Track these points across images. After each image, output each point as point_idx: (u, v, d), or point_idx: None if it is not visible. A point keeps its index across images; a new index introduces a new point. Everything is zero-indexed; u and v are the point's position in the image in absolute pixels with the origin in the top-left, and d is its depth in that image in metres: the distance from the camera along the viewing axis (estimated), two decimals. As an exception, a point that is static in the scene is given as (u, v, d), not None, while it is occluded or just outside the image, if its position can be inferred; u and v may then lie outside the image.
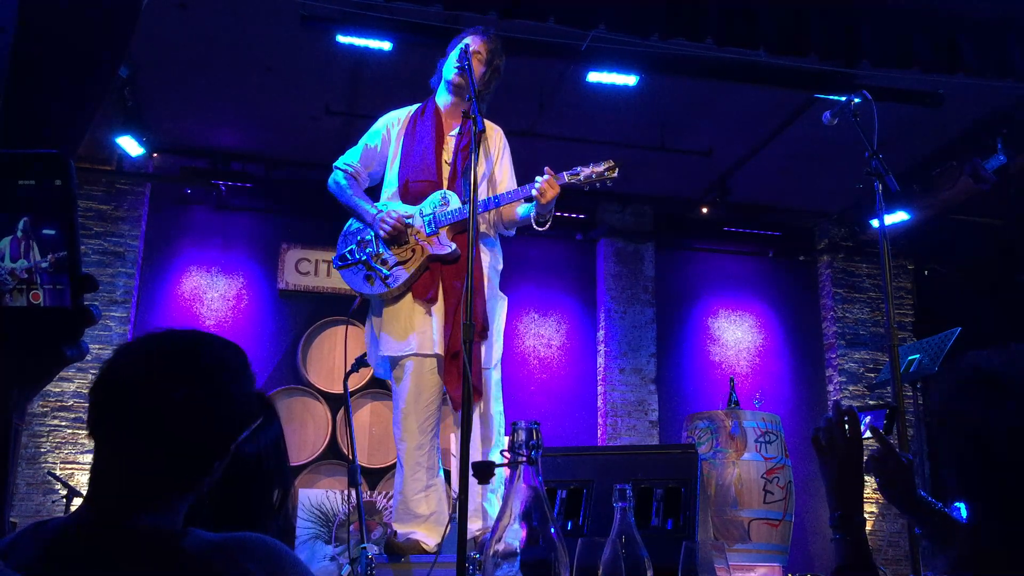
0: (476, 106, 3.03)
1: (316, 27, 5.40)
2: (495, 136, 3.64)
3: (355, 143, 3.74)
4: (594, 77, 5.87)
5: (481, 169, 3.51)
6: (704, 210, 7.97)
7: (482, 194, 3.50)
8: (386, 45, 5.46)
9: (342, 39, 5.40)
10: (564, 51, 5.62)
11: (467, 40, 3.55)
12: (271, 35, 5.68)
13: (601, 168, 3.38)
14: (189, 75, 6.22)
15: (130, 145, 6.60)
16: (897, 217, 7.28)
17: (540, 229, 3.44)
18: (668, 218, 8.32)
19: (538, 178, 3.31)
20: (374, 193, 3.68)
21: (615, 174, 3.37)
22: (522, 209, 3.49)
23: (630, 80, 5.89)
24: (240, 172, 7.45)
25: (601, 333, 8.00)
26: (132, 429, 1.08)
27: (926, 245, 8.16)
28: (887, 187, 3.39)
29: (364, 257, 3.48)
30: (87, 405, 1.12)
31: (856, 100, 3.54)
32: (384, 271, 3.42)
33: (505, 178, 3.60)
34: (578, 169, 3.39)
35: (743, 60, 5.53)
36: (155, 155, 7.28)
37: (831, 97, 5.64)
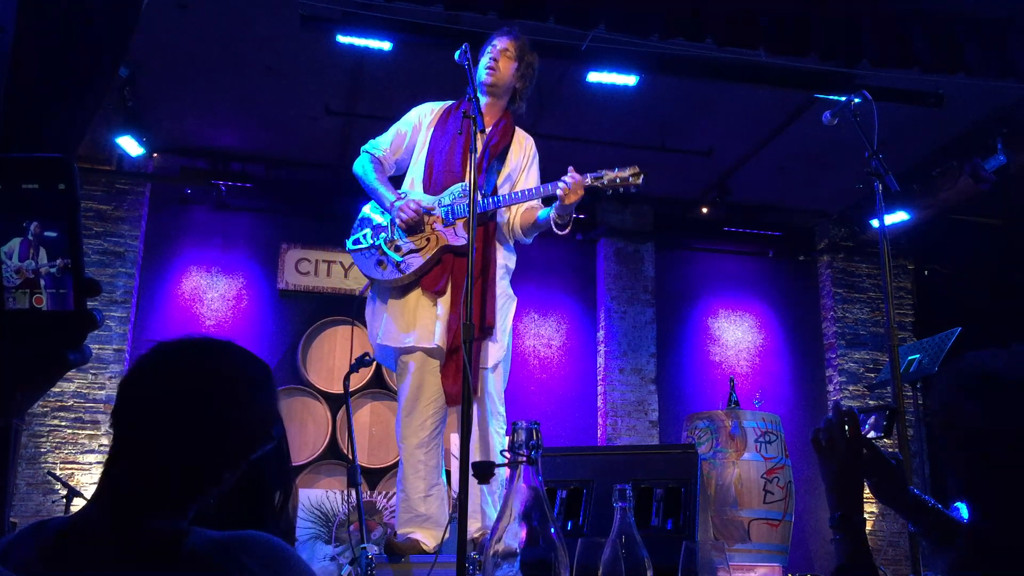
0: (476, 105, 3.02)
1: (316, 27, 5.40)
2: (526, 144, 3.64)
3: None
4: (594, 77, 5.87)
5: (505, 171, 3.53)
6: (704, 210, 7.97)
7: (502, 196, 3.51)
8: (386, 45, 5.46)
9: (342, 39, 5.40)
10: (564, 51, 5.61)
11: (494, 41, 3.58)
12: (271, 35, 5.68)
13: (626, 173, 3.34)
14: (189, 75, 6.22)
15: (130, 145, 6.60)
16: (897, 217, 7.28)
17: (560, 233, 3.41)
18: (668, 218, 8.32)
19: (564, 177, 3.27)
20: (397, 183, 3.67)
21: (640, 180, 3.33)
22: (542, 212, 3.46)
23: (630, 80, 5.89)
24: (240, 172, 7.45)
25: (601, 333, 8.00)
26: (153, 430, 1.09)
27: (926, 245, 8.16)
28: (887, 187, 3.39)
29: (378, 242, 3.46)
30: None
31: (856, 100, 3.54)
32: (397, 257, 3.40)
33: (531, 184, 3.57)
34: (601, 172, 3.35)
35: (743, 60, 5.53)
36: (155, 155, 7.28)
37: (831, 97, 5.64)
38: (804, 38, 5.26)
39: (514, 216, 3.54)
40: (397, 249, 3.41)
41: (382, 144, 3.64)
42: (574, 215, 3.40)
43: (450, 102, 3.68)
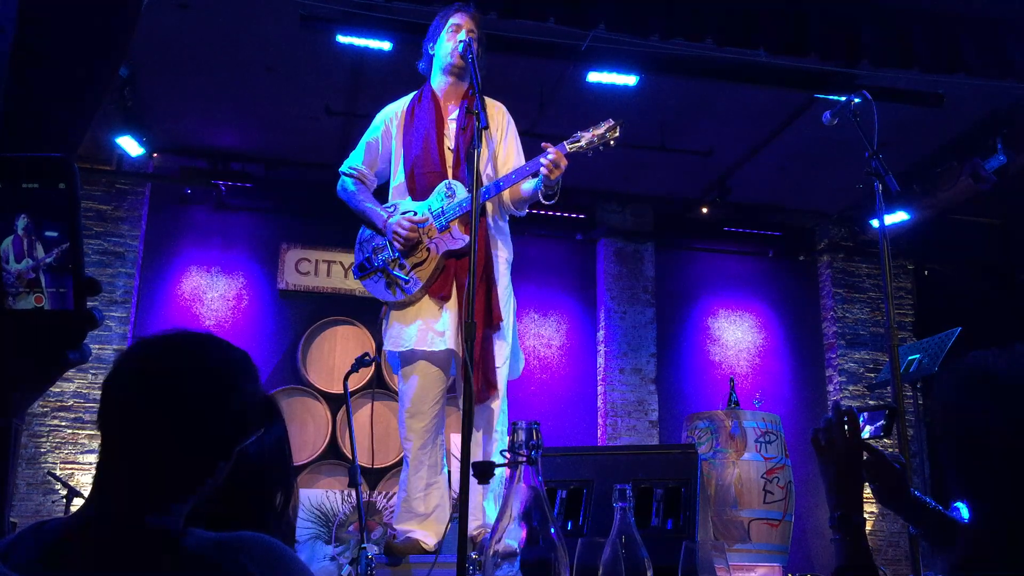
0: (480, 102, 2.99)
1: (316, 27, 5.40)
2: (496, 113, 3.54)
3: (355, 143, 3.71)
4: (594, 77, 5.87)
5: (485, 153, 3.44)
6: (704, 210, 7.97)
7: (486, 176, 3.42)
8: (386, 45, 5.46)
9: (342, 39, 5.40)
10: (564, 51, 5.62)
11: (454, 20, 3.49)
12: (271, 35, 5.68)
13: (602, 130, 3.25)
14: (189, 75, 6.22)
15: (130, 145, 6.60)
16: (897, 217, 7.29)
17: (548, 203, 3.35)
18: (668, 218, 8.32)
19: (545, 156, 3.21)
20: (383, 191, 3.64)
21: (617, 133, 3.23)
22: (528, 185, 3.39)
23: (630, 80, 5.89)
24: (240, 172, 7.45)
25: (601, 333, 8.00)
26: (138, 428, 1.09)
27: (926, 245, 8.16)
28: (887, 187, 3.39)
29: (380, 264, 3.43)
30: (97, 401, 1.12)
31: (856, 100, 3.54)
32: (403, 276, 3.37)
33: (511, 156, 3.50)
34: (578, 135, 3.27)
35: (743, 60, 5.53)
36: (155, 155, 7.28)
37: (831, 97, 5.65)
38: (804, 38, 5.26)
39: (504, 192, 3.49)
40: (401, 267, 3.39)
41: (357, 162, 3.60)
42: (561, 185, 3.32)
43: (410, 97, 3.61)
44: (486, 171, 3.45)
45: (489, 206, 3.45)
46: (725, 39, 5.19)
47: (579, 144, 3.26)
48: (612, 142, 3.26)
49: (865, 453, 1.63)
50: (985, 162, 6.52)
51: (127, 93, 6.23)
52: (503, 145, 3.52)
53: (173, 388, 1.10)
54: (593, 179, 7.56)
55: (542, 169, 3.21)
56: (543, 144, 3.25)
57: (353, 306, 7.29)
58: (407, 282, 3.36)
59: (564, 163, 3.22)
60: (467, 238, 3.28)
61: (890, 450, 1.96)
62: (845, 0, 5.33)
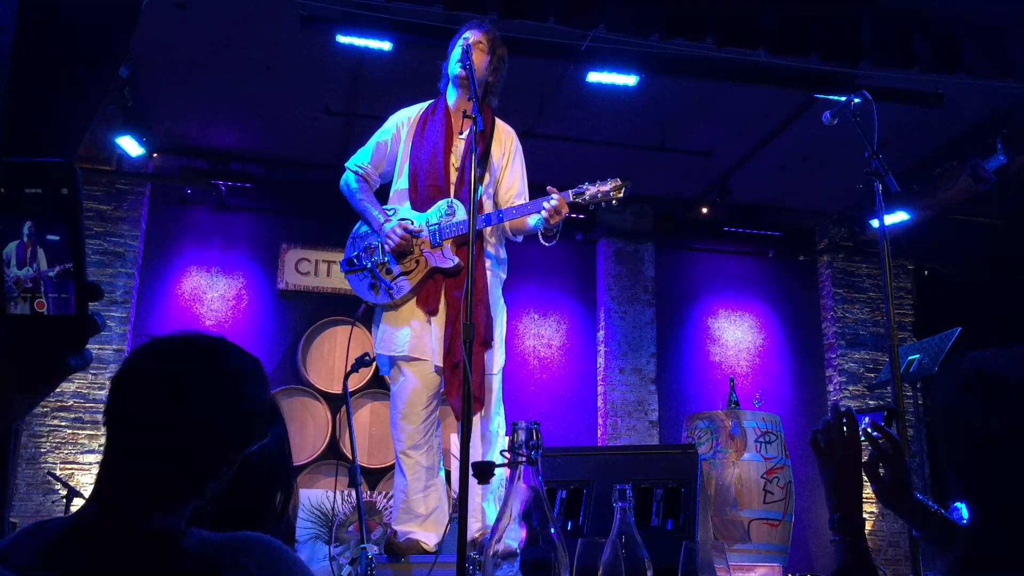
0: (477, 106, 3.00)
1: (316, 27, 5.40)
2: (506, 138, 3.57)
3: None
4: (594, 77, 5.87)
5: (487, 175, 3.47)
6: (704, 210, 7.97)
7: (487, 199, 3.46)
8: (386, 45, 5.46)
9: (342, 39, 5.40)
10: (564, 51, 5.62)
11: (466, 35, 3.52)
12: (271, 35, 5.68)
13: (607, 187, 3.29)
14: (189, 75, 6.22)
15: (130, 145, 6.60)
16: (897, 217, 7.28)
17: (547, 244, 3.40)
18: (668, 218, 8.32)
19: (548, 201, 3.24)
20: (384, 191, 3.66)
21: (621, 194, 3.27)
22: (532, 219, 3.42)
23: (630, 80, 5.89)
24: (240, 172, 7.45)
25: (601, 333, 8.00)
26: (146, 427, 1.09)
27: (926, 245, 8.16)
28: (887, 187, 3.39)
29: (369, 265, 3.45)
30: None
31: (856, 100, 3.54)
32: (388, 281, 3.39)
33: (515, 183, 3.53)
34: (583, 187, 3.31)
35: (743, 60, 5.53)
36: (155, 155, 7.28)
37: (831, 97, 5.65)
38: (804, 38, 5.26)
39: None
40: (388, 273, 3.41)
41: (364, 160, 3.61)
42: (561, 226, 3.36)
43: (425, 105, 3.64)
44: (487, 191, 3.47)
45: (487, 230, 3.46)
46: (725, 39, 5.19)
47: (583, 196, 3.31)
48: (615, 201, 3.30)
49: (867, 453, 1.63)
50: (985, 162, 6.52)
51: (127, 93, 6.22)
52: (508, 171, 3.55)
53: (184, 390, 1.11)
54: (593, 180, 7.55)
55: (543, 212, 3.25)
56: (548, 188, 3.28)
57: (353, 306, 7.25)
58: (391, 288, 3.38)
59: (565, 211, 3.27)
60: (457, 259, 3.31)
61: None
62: (845, 0, 5.33)
